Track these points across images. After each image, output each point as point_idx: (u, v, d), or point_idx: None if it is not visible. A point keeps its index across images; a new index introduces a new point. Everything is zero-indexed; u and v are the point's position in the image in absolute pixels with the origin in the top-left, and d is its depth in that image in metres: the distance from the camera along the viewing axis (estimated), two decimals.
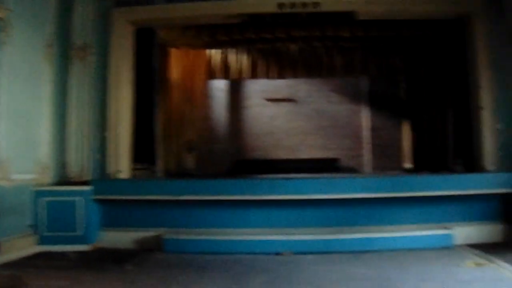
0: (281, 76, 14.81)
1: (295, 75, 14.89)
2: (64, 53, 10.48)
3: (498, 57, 10.44)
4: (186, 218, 9.65)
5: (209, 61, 14.74)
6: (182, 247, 8.97)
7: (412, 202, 9.62)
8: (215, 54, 14.72)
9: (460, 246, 9.12)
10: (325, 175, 12.01)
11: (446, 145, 12.00)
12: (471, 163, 10.79)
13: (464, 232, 9.43)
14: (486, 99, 10.41)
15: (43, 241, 9.20)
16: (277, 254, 8.75)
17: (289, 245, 8.93)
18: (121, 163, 10.58)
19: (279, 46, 14.00)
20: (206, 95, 15.47)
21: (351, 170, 15.84)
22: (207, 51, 14.59)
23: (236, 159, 15.79)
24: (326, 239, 9.10)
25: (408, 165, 14.65)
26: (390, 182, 9.73)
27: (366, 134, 16.31)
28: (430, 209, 9.76)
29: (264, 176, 11.89)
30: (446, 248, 8.96)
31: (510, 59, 10.41)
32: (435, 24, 11.65)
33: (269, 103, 16.29)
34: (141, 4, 10.92)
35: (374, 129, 16.15)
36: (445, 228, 9.39)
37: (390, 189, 9.52)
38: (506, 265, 7.45)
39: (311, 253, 8.74)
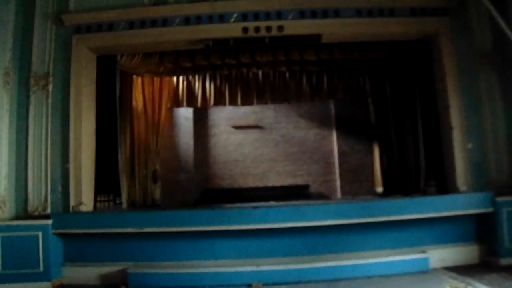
0: (247, 102, 14.69)
1: (261, 101, 14.76)
2: (23, 82, 10.32)
3: (466, 76, 10.54)
4: (152, 251, 9.35)
5: (173, 89, 14.57)
6: (148, 281, 8.67)
7: (386, 226, 9.51)
8: (179, 82, 14.56)
9: (436, 269, 9.11)
10: (295, 202, 11.80)
11: (418, 167, 11.91)
12: (443, 184, 10.74)
13: (439, 255, 9.44)
14: (456, 118, 10.42)
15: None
16: (248, 286, 8.52)
17: (260, 276, 8.72)
18: (84, 195, 10.22)
19: (245, 71, 13.93)
20: (171, 124, 15.32)
21: (322, 196, 15.59)
22: (172, 79, 14.40)
23: (203, 188, 15.44)
24: (299, 269, 8.94)
25: (379, 189, 14.49)
26: (362, 207, 9.63)
27: (336, 159, 16.07)
28: (404, 233, 9.69)
29: (232, 205, 11.68)
30: (423, 273, 8.90)
31: (478, 78, 10.52)
32: (401, 45, 11.64)
33: (236, 130, 16.01)
34: (102, 31, 10.71)
35: (343, 154, 15.93)
36: (421, 251, 9.33)
37: (363, 214, 9.40)
38: (484, 287, 7.43)
39: (284, 283, 8.57)
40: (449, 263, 9.36)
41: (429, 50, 11.22)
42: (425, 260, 9.14)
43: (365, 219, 9.35)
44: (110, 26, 10.69)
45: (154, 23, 10.62)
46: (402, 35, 11.14)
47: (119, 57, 11.56)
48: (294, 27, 10.54)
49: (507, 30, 9.50)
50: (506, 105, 10.42)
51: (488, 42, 10.60)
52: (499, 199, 9.45)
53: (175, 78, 14.47)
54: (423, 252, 9.31)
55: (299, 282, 8.62)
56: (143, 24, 10.66)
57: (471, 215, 9.67)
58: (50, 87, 10.35)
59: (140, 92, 13.53)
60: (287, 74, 14.42)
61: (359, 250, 9.50)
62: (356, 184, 15.80)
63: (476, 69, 10.52)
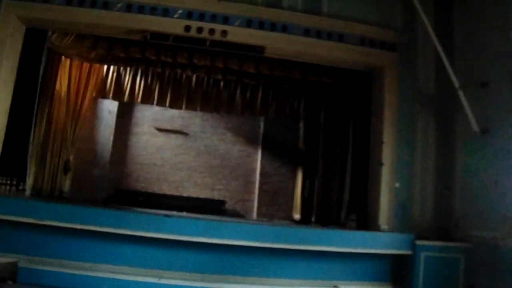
0: (176, 105, 14.18)
1: (191, 106, 14.28)
2: None
3: (404, 115, 10.56)
4: (49, 247, 8.57)
5: (102, 78, 13.81)
6: (39, 279, 7.90)
7: (301, 255, 9.23)
8: (109, 72, 13.85)
9: None
10: (209, 217, 11.27)
11: (341, 199, 11.78)
12: (364, 220, 10.59)
13: None
14: (388, 156, 10.39)
15: None
16: None
17: None
18: None
19: (179, 73, 13.40)
20: (93, 115, 14.58)
21: (237, 214, 15.18)
22: (102, 67, 13.65)
23: (116, 187, 14.75)
24: (203, 287, 8.42)
25: (297, 215, 14.28)
26: (279, 232, 9.40)
27: (257, 178, 15.76)
28: (318, 264, 9.43)
29: (144, 210, 11.06)
30: None
31: (416, 119, 10.58)
32: (344, 73, 11.51)
33: (159, 133, 15.42)
34: (36, 1, 9.91)
35: (266, 174, 15.67)
36: (333, 286, 9.01)
37: (279, 239, 9.10)
38: None
39: None
40: None
41: (370, 83, 11.18)
42: None
43: (281, 244, 9.03)
44: None
45: (94, 3, 10.01)
46: (346, 63, 11.04)
47: (50, 33, 10.73)
48: (239, 34, 10.22)
49: (450, 70, 9.57)
50: (438, 150, 10.54)
51: (432, 84, 10.76)
52: (419, 242, 9.41)
53: (105, 67, 13.74)
54: (335, 287, 9.06)
55: None
56: (82, 2, 9.99)
57: (388, 255, 9.56)
58: None
59: (66, 76, 12.70)
60: (222, 83, 14.05)
61: (270, 276, 9.14)
62: (274, 207, 15.57)
63: (416, 110, 10.58)
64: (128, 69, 13.77)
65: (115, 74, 13.87)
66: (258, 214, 15.41)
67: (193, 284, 8.36)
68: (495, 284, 8.54)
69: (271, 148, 15.84)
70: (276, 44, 10.38)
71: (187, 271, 8.81)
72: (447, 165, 10.37)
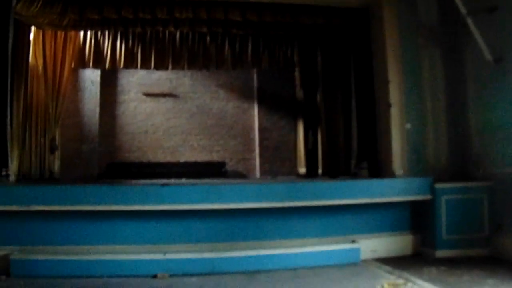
0: (161, 66, 13.60)
1: (177, 66, 13.70)
2: None
3: (408, 50, 10.04)
4: (42, 234, 8.02)
5: (79, 46, 13.18)
6: (35, 269, 7.45)
7: (312, 212, 8.78)
8: (86, 38, 13.20)
9: (367, 261, 8.54)
10: (209, 181, 11.02)
11: (349, 148, 11.41)
12: (376, 167, 10.20)
13: (371, 245, 8.87)
14: (395, 96, 9.91)
15: None
16: (154, 276, 7.55)
17: (167, 266, 7.74)
18: None
19: (161, 30, 12.76)
20: (75, 87, 14.12)
21: (239, 175, 15.09)
22: (78, 34, 13.02)
23: (109, 161, 14.43)
24: (212, 258, 7.97)
25: (302, 169, 14.01)
26: (287, 190, 8.81)
27: (256, 135, 15.53)
28: (333, 220, 8.98)
29: (140, 181, 10.76)
30: (353, 264, 8.30)
31: (421, 54, 10.07)
32: (339, 12, 10.92)
33: (148, 98, 15.03)
34: None
35: (265, 130, 15.40)
36: (351, 241, 8.71)
37: (287, 197, 8.57)
38: (426, 284, 6.87)
39: (196, 274, 7.62)
40: (381, 254, 8.81)
41: (369, 20, 10.64)
42: (356, 251, 8.50)
43: (291, 203, 8.53)
44: None
45: None
46: (341, 0, 10.48)
47: (14, 2, 9.94)
48: None
49: None
50: (447, 85, 10.05)
51: (434, 15, 10.19)
52: (438, 185, 8.97)
53: (81, 34, 13.10)
54: (353, 241, 8.69)
55: (212, 273, 7.68)
56: None
57: (406, 202, 9.19)
58: None
59: (40, 48, 12.16)
60: (208, 37, 13.44)
61: (282, 238, 8.68)
62: (277, 163, 15.42)
63: (420, 43, 10.05)
64: (106, 33, 13.14)
65: (93, 40, 13.20)
66: (261, 172, 15.24)
67: (202, 256, 7.92)
68: None
69: (267, 101, 15.60)
70: None
71: (194, 243, 8.35)
72: (459, 101, 9.88)
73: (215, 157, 15.41)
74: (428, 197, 8.95)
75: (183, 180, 11.49)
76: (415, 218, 9.32)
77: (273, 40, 13.76)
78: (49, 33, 12.30)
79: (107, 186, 8.80)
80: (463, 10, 8.89)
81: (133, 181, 11.01)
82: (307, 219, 8.84)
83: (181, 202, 8.16)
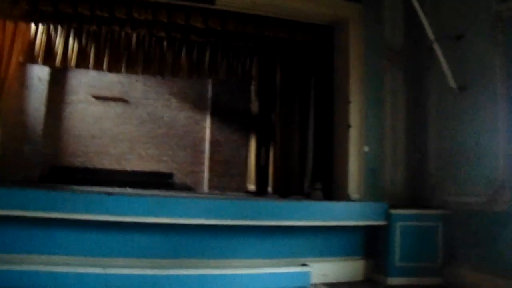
0: (115, 69, 13.08)
1: (131, 70, 13.21)
2: None
3: (371, 71, 10.03)
4: None
5: (29, 40, 12.54)
6: None
7: (262, 232, 8.60)
8: (38, 33, 12.58)
9: (318, 285, 8.45)
10: (156, 192, 10.74)
11: (304, 167, 11.32)
12: (331, 189, 10.10)
13: (322, 269, 8.71)
14: (355, 117, 9.83)
15: None
16: None
17: (107, 281, 7.29)
18: None
19: (117, 30, 12.20)
20: (21, 83, 13.53)
21: (187, 188, 14.88)
22: (29, 27, 12.40)
23: (51, 164, 13.95)
24: (155, 275, 7.59)
25: (252, 186, 13.83)
26: (237, 207, 8.54)
27: (206, 147, 15.38)
28: (283, 241, 8.83)
29: (82, 188, 10.32)
30: None
31: (384, 76, 10.09)
32: (304, 27, 10.78)
33: (97, 101, 14.66)
34: None
35: (216, 143, 15.28)
36: (302, 264, 8.54)
37: (237, 215, 8.28)
38: None
39: None
40: (332, 279, 8.67)
41: (333, 39, 10.61)
42: (306, 274, 8.32)
43: (242, 221, 8.26)
44: None
45: None
46: (307, 15, 10.31)
47: None
48: None
49: (424, 20, 8.95)
50: (408, 109, 10.12)
51: (400, 39, 10.28)
52: (394, 211, 8.93)
53: (33, 27, 12.48)
54: (304, 265, 8.52)
55: None
56: None
57: (360, 227, 9.09)
58: None
59: None
60: (166, 43, 13.06)
61: (230, 258, 8.43)
62: (226, 178, 15.37)
63: (384, 65, 10.06)
64: (60, 28, 12.55)
65: (44, 35, 12.59)
66: (209, 186, 15.09)
67: (143, 272, 7.52)
68: (478, 252, 8.19)
69: (221, 113, 15.52)
70: None
71: (136, 257, 7.95)
72: (419, 125, 9.92)
73: (162, 167, 15.13)
74: (383, 222, 8.89)
75: (128, 190, 11.10)
76: (368, 243, 9.26)
77: (232, 50, 13.54)
78: None
79: (48, 191, 8.30)
80: (431, 35, 8.91)
81: (76, 188, 10.53)
82: (257, 239, 8.65)
83: (126, 213, 7.70)
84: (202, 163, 15.39)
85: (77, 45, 12.60)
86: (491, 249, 7.92)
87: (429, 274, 8.76)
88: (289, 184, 11.93)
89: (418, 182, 9.78)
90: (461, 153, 8.83)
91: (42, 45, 12.53)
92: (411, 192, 9.81)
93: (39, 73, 13.84)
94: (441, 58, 8.83)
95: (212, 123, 15.42)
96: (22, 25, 12.00)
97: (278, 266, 8.36)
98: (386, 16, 10.24)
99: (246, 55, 13.78)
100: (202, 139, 15.47)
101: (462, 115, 8.86)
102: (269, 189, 13.01)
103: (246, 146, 14.85)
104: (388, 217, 8.87)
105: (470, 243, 8.44)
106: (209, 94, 15.45)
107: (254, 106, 14.37)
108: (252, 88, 14.46)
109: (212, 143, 15.34)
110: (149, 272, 7.55)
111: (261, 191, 13.13)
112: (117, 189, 10.43)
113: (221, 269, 8.00)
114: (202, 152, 15.43)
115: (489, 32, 8.39)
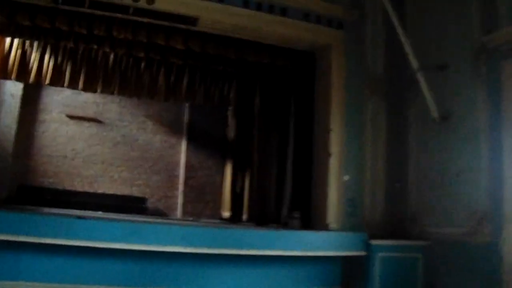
0: (90, 88, 12.86)
1: (107, 90, 13.02)
2: None
3: (352, 98, 10.09)
4: None
5: (3, 54, 12.24)
6: None
7: (238, 261, 8.38)
8: (13, 47, 12.30)
9: None
10: (129, 217, 10.51)
11: (281, 195, 11.21)
12: (309, 217, 9.99)
13: None
14: (336, 145, 9.82)
15: None
16: None
17: None
18: None
19: (95, 49, 12.05)
20: None
21: (160, 213, 14.64)
22: (3, 41, 12.14)
23: (20, 183, 13.57)
24: None
25: (226, 213, 13.66)
26: (213, 235, 8.36)
27: (181, 172, 15.18)
28: (259, 270, 8.62)
29: (52, 210, 10.13)
30: None
31: (366, 105, 10.14)
32: (285, 53, 10.79)
33: (71, 121, 14.40)
34: None
35: (191, 168, 15.11)
36: None
37: (213, 243, 8.08)
38: None
39: None
40: None
41: (315, 65, 10.63)
42: None
43: (218, 250, 8.06)
44: None
45: None
46: (289, 41, 10.37)
47: None
48: (168, 1, 9.20)
49: (409, 50, 9.00)
50: (389, 138, 10.15)
51: (381, 67, 10.38)
52: (374, 242, 8.84)
53: (7, 41, 12.22)
54: None
55: None
56: None
57: (340, 257, 8.96)
58: None
59: None
60: (143, 63, 12.93)
61: (206, 287, 8.26)
62: (200, 204, 15.18)
63: (365, 94, 10.12)
64: (35, 43, 12.30)
65: (19, 49, 12.33)
66: (183, 212, 14.88)
67: None
68: (459, 283, 8.14)
69: (196, 138, 15.38)
70: (212, 15, 9.44)
71: (107, 285, 7.65)
72: (400, 155, 9.94)
73: (135, 191, 14.87)
74: (362, 253, 8.79)
75: (100, 213, 10.88)
76: (347, 273, 9.12)
77: (211, 74, 13.47)
78: None
79: (15, 212, 7.94)
80: (414, 65, 8.95)
81: (45, 209, 10.37)
82: (234, 268, 8.44)
83: (97, 238, 7.39)
84: (176, 188, 15.19)
85: (52, 62, 12.35)
86: (471, 281, 7.88)
87: None
88: (265, 212, 11.79)
89: (398, 212, 9.75)
90: (442, 184, 8.84)
91: (16, 60, 12.25)
92: (391, 222, 9.76)
93: (12, 89, 13.58)
94: (424, 88, 8.87)
95: (188, 147, 15.27)
96: None
97: None
98: (368, 44, 10.30)
99: (225, 79, 13.76)
100: (177, 164, 15.29)
101: (444, 145, 8.89)
102: (244, 216, 12.86)
103: (222, 172, 14.70)
104: (367, 247, 8.78)
105: (450, 274, 8.39)
106: (186, 117, 15.33)
107: (231, 131, 14.33)
108: (229, 113, 14.42)
109: (187, 168, 15.16)
110: None
111: (236, 218, 13.04)
112: (88, 213, 10.22)
113: None
114: (177, 177, 15.23)
115: (472, 63, 8.47)
